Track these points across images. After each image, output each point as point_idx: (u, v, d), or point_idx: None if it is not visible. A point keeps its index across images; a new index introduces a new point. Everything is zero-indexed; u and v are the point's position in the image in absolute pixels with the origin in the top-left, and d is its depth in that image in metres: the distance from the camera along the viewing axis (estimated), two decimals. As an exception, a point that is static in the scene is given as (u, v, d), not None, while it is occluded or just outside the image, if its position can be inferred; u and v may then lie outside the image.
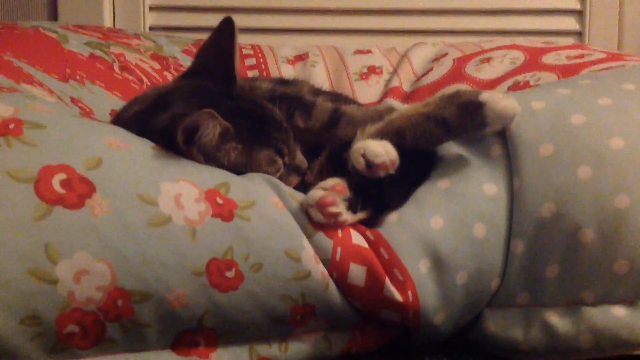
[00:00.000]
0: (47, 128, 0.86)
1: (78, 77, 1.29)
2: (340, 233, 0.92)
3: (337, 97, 1.33)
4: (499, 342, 0.94)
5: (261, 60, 1.77)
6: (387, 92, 1.65)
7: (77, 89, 1.24)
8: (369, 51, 1.81)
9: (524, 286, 0.93)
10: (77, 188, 0.81)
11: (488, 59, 1.58)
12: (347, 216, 0.93)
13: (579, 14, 2.13)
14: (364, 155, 0.93)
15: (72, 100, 1.18)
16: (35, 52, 1.27)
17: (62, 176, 0.81)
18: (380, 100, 1.64)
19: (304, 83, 1.37)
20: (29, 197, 0.79)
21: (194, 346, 0.84)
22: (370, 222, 0.97)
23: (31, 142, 0.83)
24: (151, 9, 2.12)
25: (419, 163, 1.00)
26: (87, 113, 1.16)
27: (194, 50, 1.62)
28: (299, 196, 0.94)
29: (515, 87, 1.39)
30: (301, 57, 1.78)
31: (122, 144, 0.89)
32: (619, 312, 0.85)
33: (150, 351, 0.83)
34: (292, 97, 1.12)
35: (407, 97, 1.61)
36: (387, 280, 0.89)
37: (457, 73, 1.57)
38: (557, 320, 0.89)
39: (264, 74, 1.72)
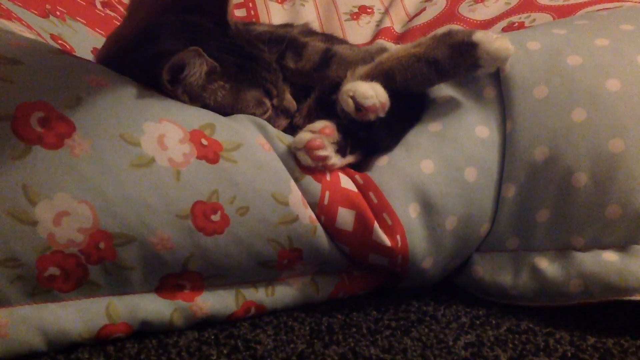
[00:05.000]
0: (25, 64, 0.83)
1: (58, 13, 1.25)
2: (328, 177, 0.90)
3: (329, 39, 1.30)
4: (487, 287, 0.93)
5: (249, -1, 1.73)
6: (378, 33, 1.62)
7: (57, 26, 1.21)
8: (360, -11, 1.77)
9: (514, 231, 0.93)
10: (56, 127, 0.79)
11: (482, -1, 1.54)
12: (336, 160, 0.91)
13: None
14: (353, 98, 0.90)
15: (52, 37, 1.16)
16: (13, -13, 1.23)
17: (40, 114, 0.78)
18: (372, 41, 1.61)
19: (297, 26, 1.33)
20: (6, 136, 0.77)
21: (179, 289, 0.83)
22: (360, 166, 0.95)
23: (7, 78, 0.81)
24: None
25: (410, 106, 0.98)
26: (67, 50, 1.13)
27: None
28: (287, 138, 0.92)
29: (509, 28, 1.37)
30: (290, -4, 1.74)
31: (104, 82, 0.86)
32: (609, 257, 0.84)
33: (135, 294, 0.82)
34: (283, 37, 1.09)
35: (398, 39, 1.59)
36: (376, 224, 0.88)
37: (450, 13, 1.55)
38: (547, 265, 0.89)
39: (252, 12, 1.68)
